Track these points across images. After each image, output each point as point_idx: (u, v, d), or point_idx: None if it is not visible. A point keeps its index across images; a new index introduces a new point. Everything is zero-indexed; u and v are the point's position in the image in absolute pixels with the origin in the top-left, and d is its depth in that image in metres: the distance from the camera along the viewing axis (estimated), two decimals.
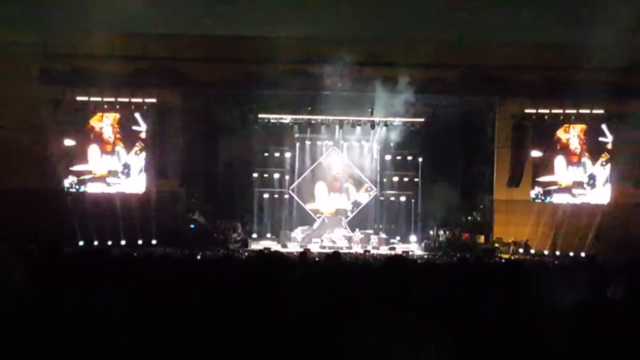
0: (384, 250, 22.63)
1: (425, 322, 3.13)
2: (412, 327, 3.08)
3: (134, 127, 23.05)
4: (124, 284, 4.62)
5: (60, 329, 3.67)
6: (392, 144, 25.45)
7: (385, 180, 26.02)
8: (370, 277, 4.40)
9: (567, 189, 23.02)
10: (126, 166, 23.05)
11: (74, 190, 22.69)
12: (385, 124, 24.30)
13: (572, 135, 22.99)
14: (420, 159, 25.31)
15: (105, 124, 22.91)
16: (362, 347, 3.04)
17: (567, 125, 22.88)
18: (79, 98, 22.28)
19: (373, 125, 24.18)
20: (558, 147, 23.04)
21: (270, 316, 3.59)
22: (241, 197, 25.41)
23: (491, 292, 4.54)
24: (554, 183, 23.07)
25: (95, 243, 20.99)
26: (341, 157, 25.96)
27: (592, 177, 22.92)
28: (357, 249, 22.43)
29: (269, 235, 25.54)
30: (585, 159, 22.96)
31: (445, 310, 4.22)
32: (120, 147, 23.06)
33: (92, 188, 22.83)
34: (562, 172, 23.03)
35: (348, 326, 3.17)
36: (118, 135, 23.02)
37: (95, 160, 22.91)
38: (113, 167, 22.98)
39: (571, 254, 21.44)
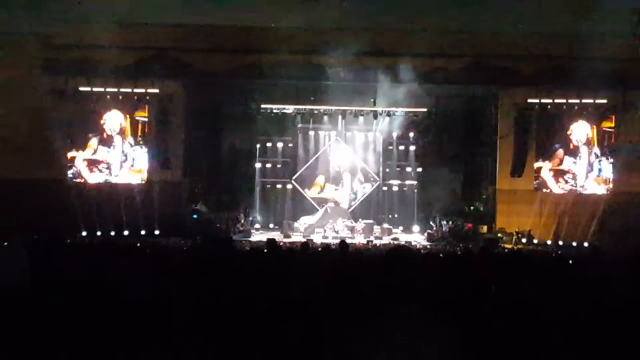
0: (386, 240, 22.62)
1: (429, 312, 3.13)
2: (416, 317, 3.09)
3: (137, 118, 23.03)
4: (127, 273, 4.64)
5: (63, 318, 3.69)
6: (394, 134, 25.44)
7: (388, 170, 25.97)
8: (373, 267, 4.41)
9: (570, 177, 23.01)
10: (129, 156, 23.03)
11: (77, 180, 22.68)
12: (388, 114, 24.26)
13: (575, 125, 22.96)
14: (422, 149, 25.28)
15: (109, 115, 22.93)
16: (365, 337, 3.05)
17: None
18: (81, 88, 22.26)
19: (376, 115, 24.14)
20: (561, 137, 23.00)
21: (273, 305, 3.61)
22: (244, 187, 25.38)
23: (495, 282, 4.56)
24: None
25: (98, 233, 21.04)
26: (344, 147, 25.93)
27: (595, 166, 22.88)
28: (360, 239, 22.42)
29: (271, 225, 25.54)
30: (589, 149, 22.91)
31: (449, 300, 4.23)
32: (123, 138, 23.04)
33: (94, 178, 22.82)
34: (566, 161, 22.98)
35: (351, 316, 3.17)
36: (121, 126, 22.99)
37: (99, 151, 22.90)
38: (116, 158, 22.97)
39: (574, 243, 21.45)
